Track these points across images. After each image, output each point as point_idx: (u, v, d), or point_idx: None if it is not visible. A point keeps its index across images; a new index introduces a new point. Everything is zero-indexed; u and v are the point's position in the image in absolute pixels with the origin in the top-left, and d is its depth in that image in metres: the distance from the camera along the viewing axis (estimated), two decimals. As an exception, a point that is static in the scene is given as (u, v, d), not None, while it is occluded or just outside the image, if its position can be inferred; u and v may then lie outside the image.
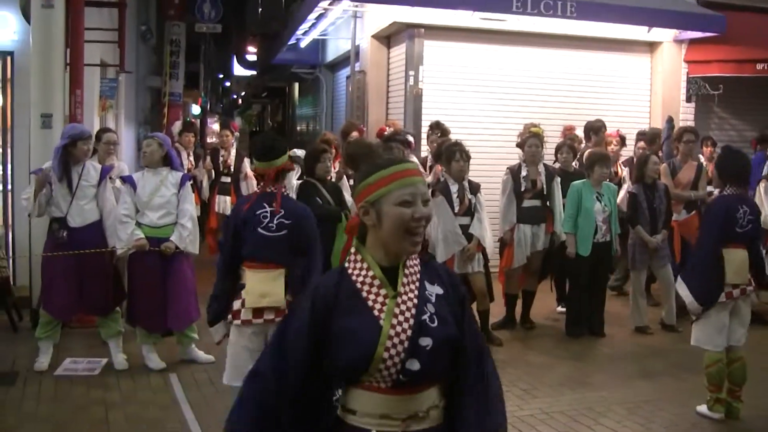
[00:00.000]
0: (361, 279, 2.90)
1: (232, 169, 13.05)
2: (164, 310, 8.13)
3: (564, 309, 10.43)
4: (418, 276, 2.97)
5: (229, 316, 5.76)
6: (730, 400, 7.17)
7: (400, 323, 2.84)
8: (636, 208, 10.08)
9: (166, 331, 8.43)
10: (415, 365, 2.83)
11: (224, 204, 13.01)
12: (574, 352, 9.28)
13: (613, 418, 7.11)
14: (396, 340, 2.81)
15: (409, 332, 2.83)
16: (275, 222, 5.82)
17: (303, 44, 19.68)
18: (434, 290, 2.98)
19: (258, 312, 5.71)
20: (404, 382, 2.84)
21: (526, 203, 9.88)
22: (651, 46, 14.69)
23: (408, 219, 2.87)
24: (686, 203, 10.70)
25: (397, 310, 2.85)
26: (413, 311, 2.87)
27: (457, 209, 9.09)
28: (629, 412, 7.27)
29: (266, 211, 5.85)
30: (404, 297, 2.89)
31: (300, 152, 10.40)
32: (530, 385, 7.94)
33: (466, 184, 9.23)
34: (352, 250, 2.99)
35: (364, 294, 2.88)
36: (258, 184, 6.30)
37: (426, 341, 2.85)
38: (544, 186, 9.91)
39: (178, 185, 8.13)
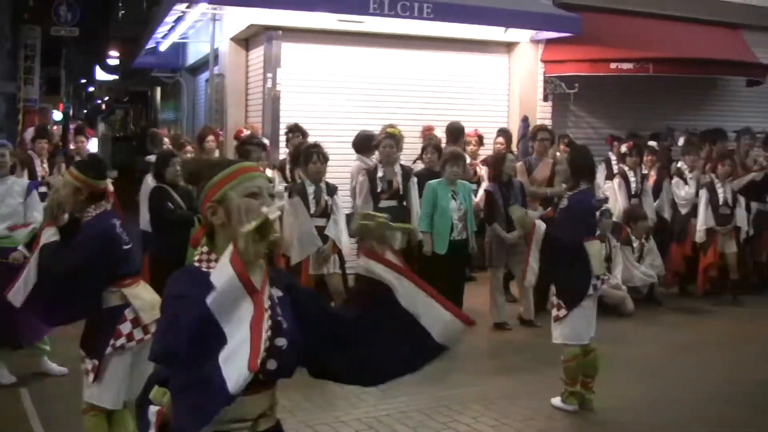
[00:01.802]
0: None
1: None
2: (16, 324, 7.86)
3: None
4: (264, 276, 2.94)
5: (119, 342, 5.51)
6: (583, 391, 7.32)
7: None
8: (492, 206, 10.20)
9: (16, 345, 8.17)
10: (273, 365, 2.90)
11: (81, 211, 12.72)
12: (432, 349, 9.33)
13: (469, 414, 7.17)
14: None
15: (269, 332, 2.79)
16: (124, 234, 5.70)
17: (163, 48, 19.39)
18: (276, 293, 3.02)
19: (147, 327, 5.48)
20: (262, 381, 2.89)
21: (383, 204, 9.89)
22: (508, 47, 14.91)
23: (257, 208, 2.85)
24: (542, 200, 10.88)
25: None
26: (269, 312, 2.83)
27: (313, 210, 9.07)
28: (485, 408, 7.35)
29: (119, 225, 5.70)
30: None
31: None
32: (387, 385, 7.91)
33: (323, 185, 9.20)
34: (205, 249, 3.01)
35: None
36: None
37: (281, 341, 2.93)
38: (401, 186, 9.96)
39: (24, 193, 7.91)
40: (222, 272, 2.65)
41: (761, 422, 7.20)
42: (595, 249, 7.31)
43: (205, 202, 2.99)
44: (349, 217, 9.46)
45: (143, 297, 5.55)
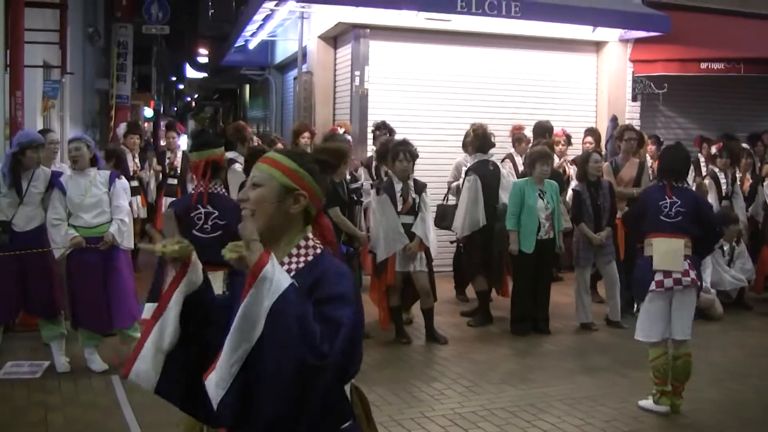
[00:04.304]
0: None
1: (179, 171, 13.02)
2: (108, 308, 8.05)
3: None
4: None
5: None
6: (672, 394, 7.23)
7: None
8: (580, 205, 10.15)
9: (107, 332, 8.35)
10: None
11: (171, 205, 12.95)
12: (518, 349, 9.33)
13: (554, 414, 7.15)
14: None
15: None
16: (210, 223, 5.77)
17: (251, 45, 19.63)
18: None
19: None
20: None
21: None
22: (597, 46, 14.81)
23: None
24: (630, 200, 10.77)
25: None
26: None
27: (400, 208, 9.13)
28: (570, 408, 7.32)
29: (200, 213, 5.79)
30: None
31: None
32: (472, 383, 7.97)
33: (411, 183, 9.27)
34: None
35: None
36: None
37: None
38: None
39: (107, 183, 8.10)
40: None
41: None
42: (659, 246, 7.21)
43: None
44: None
45: None
